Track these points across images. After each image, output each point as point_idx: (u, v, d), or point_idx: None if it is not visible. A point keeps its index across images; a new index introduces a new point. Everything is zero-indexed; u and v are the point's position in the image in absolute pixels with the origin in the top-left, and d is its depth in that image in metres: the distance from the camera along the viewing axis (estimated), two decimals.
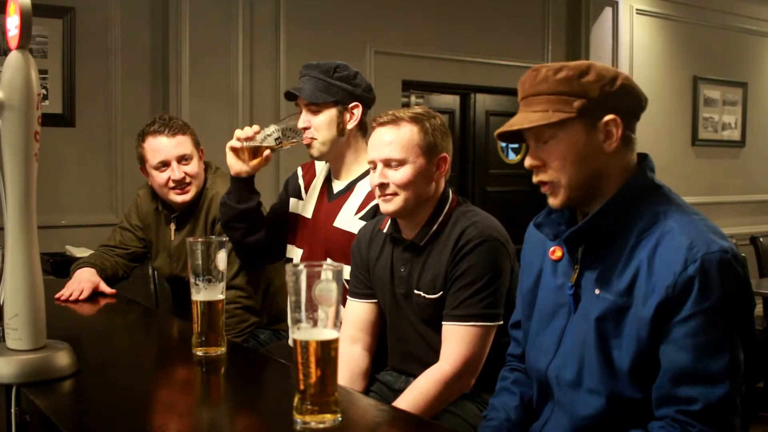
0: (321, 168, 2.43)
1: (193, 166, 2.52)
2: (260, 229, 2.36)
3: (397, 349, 2.01)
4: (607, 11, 5.87)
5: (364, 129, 2.30)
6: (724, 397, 1.26)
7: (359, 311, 2.02)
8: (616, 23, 5.89)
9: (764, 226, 6.47)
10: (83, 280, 2.36)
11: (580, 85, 1.36)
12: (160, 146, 2.49)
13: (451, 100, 5.65)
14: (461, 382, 1.82)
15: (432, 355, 1.86)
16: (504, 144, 5.88)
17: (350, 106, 2.26)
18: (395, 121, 1.89)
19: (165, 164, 2.50)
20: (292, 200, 2.43)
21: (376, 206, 2.17)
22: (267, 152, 2.25)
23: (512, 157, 5.94)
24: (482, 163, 5.75)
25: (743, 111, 6.85)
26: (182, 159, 2.51)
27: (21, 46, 1.41)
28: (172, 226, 2.62)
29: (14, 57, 1.41)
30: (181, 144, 2.51)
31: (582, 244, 1.43)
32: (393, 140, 1.87)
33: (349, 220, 2.24)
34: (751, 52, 6.90)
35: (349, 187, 2.28)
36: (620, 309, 1.34)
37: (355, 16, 4.77)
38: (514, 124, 1.40)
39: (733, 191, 6.67)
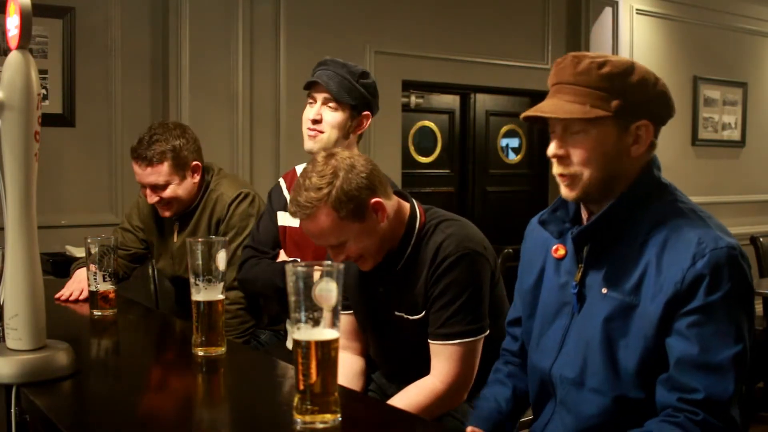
0: None
1: (170, 191, 2.50)
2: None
3: (384, 366, 2.00)
4: (607, 11, 5.86)
5: (361, 137, 2.33)
6: (726, 389, 1.26)
7: (344, 324, 1.93)
8: (616, 23, 5.88)
9: (764, 226, 6.47)
10: (83, 280, 2.36)
11: (623, 85, 1.35)
12: (137, 171, 2.52)
13: (451, 100, 5.65)
14: (455, 398, 1.80)
15: (419, 372, 1.82)
16: (504, 143, 5.88)
17: (363, 113, 2.26)
18: (309, 214, 1.67)
19: (143, 186, 2.53)
20: (279, 214, 2.40)
21: None
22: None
23: (512, 157, 5.94)
24: (482, 163, 5.75)
25: (743, 111, 6.85)
26: (156, 187, 2.49)
27: (21, 46, 1.41)
28: (175, 228, 2.62)
29: (14, 57, 1.40)
30: (153, 174, 2.47)
31: (588, 243, 1.42)
32: (320, 233, 1.69)
33: None
34: (751, 52, 6.90)
35: None
36: (628, 308, 1.34)
37: (355, 16, 4.77)
38: (546, 110, 1.38)
39: (733, 191, 6.67)
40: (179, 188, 2.51)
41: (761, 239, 4.50)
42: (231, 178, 2.69)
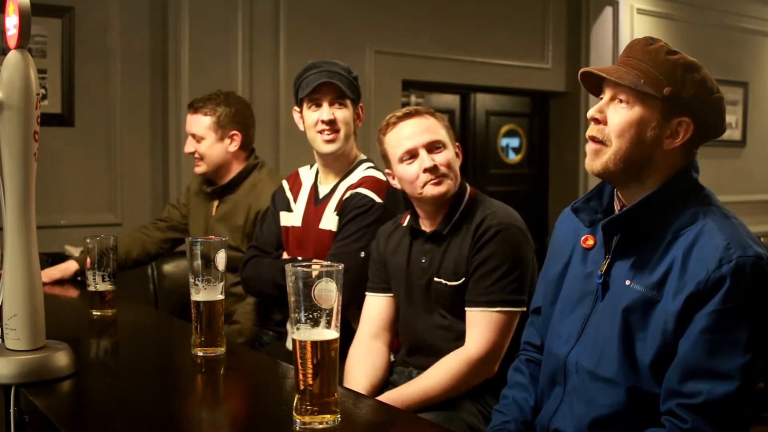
0: (306, 176, 2.46)
1: (204, 146, 2.71)
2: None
3: (409, 342, 2.02)
4: (608, 11, 5.86)
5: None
6: (728, 395, 1.25)
7: (379, 307, 2.06)
8: (617, 23, 5.88)
9: (764, 226, 6.47)
10: (64, 268, 2.60)
11: (682, 77, 1.38)
12: (187, 119, 2.76)
13: (451, 100, 5.65)
14: (487, 366, 1.84)
15: (444, 348, 1.89)
16: (504, 143, 5.88)
17: (359, 105, 2.34)
18: (417, 113, 1.97)
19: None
20: (282, 214, 2.44)
21: (346, 200, 2.23)
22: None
23: (512, 157, 5.94)
24: (482, 163, 5.74)
25: (744, 111, 6.84)
26: (194, 137, 2.72)
27: (20, 46, 1.41)
28: (215, 203, 2.76)
29: (13, 56, 1.40)
30: (196, 124, 2.71)
31: (618, 234, 1.43)
32: (428, 127, 1.95)
33: (329, 219, 2.27)
34: (752, 51, 6.90)
35: (333, 190, 2.32)
36: (649, 302, 1.35)
37: (355, 15, 4.77)
38: (605, 71, 1.41)
39: (734, 191, 6.66)
40: (211, 149, 2.71)
41: (761, 239, 4.51)
42: (272, 172, 2.86)
